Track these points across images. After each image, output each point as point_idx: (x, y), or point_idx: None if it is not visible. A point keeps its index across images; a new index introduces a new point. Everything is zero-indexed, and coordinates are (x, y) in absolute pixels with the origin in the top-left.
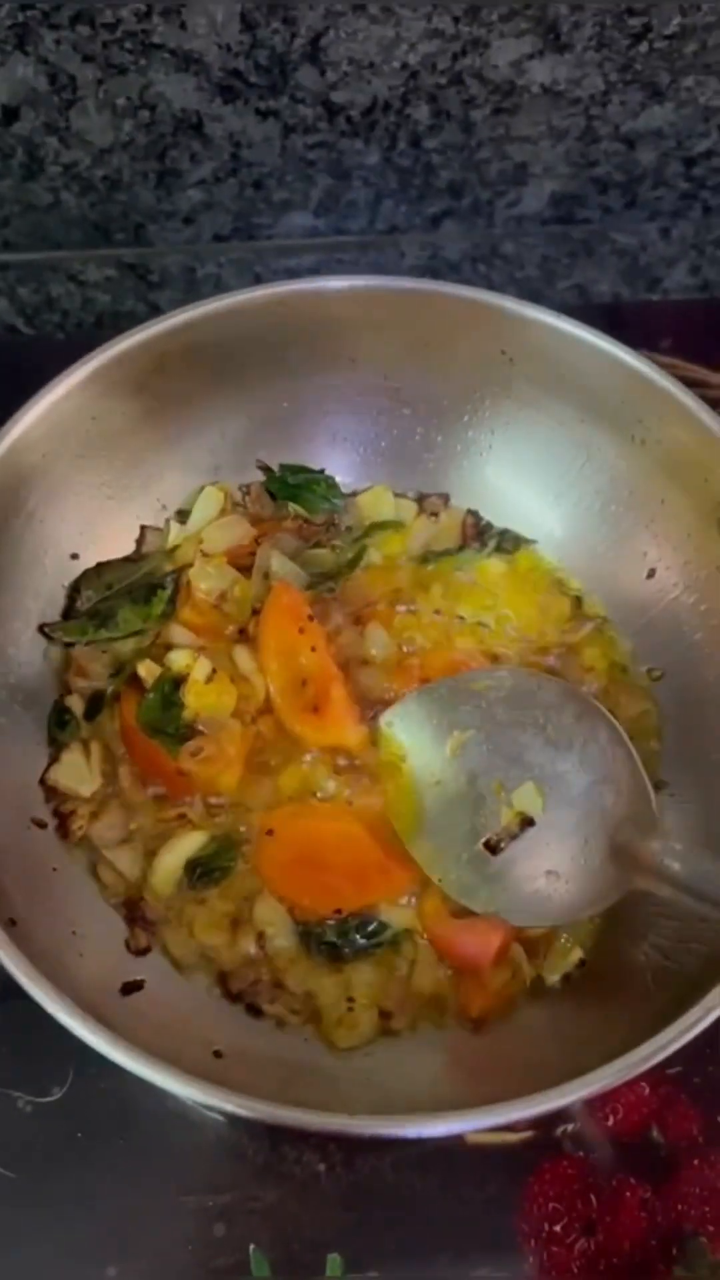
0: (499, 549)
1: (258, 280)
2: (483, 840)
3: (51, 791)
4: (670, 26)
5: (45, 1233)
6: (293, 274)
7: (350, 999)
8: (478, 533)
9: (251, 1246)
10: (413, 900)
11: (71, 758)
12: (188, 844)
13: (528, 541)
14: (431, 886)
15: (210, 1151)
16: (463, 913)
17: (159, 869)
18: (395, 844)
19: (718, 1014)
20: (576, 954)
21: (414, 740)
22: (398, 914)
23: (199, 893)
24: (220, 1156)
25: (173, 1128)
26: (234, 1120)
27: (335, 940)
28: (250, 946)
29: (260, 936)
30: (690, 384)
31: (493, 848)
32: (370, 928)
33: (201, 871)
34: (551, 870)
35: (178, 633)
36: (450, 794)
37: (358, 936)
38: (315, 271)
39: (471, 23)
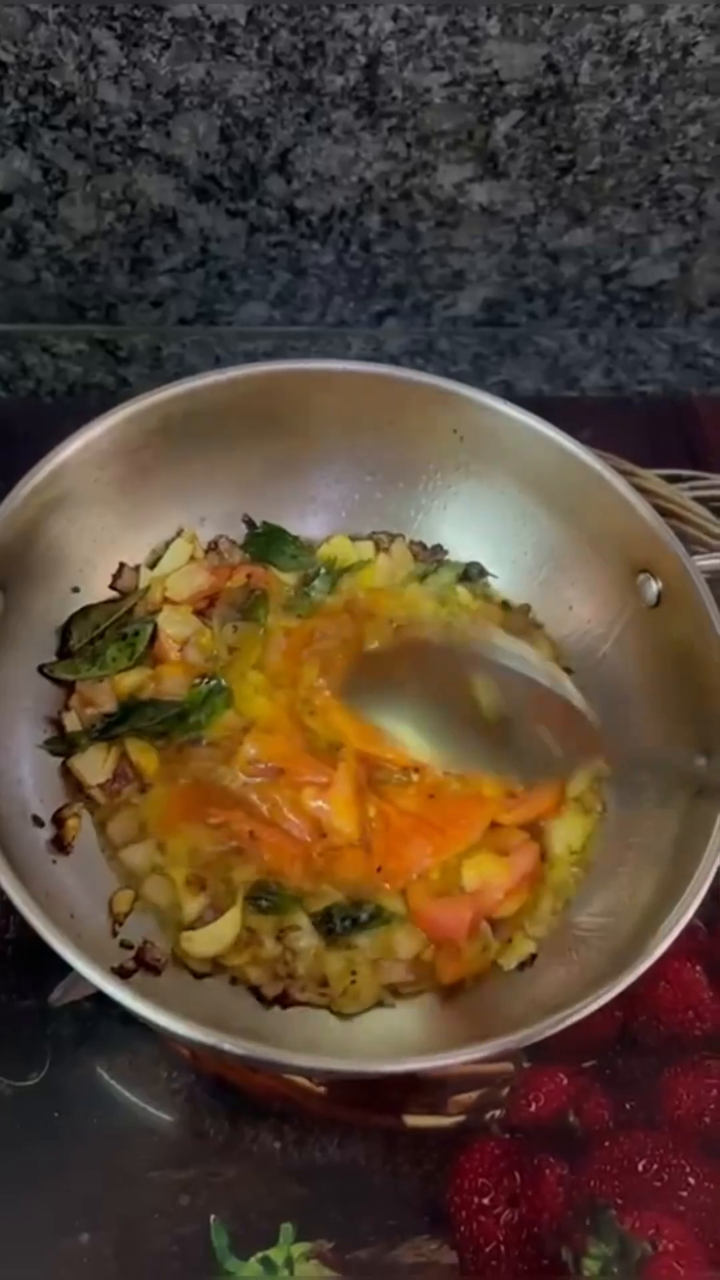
0: (465, 578)
1: (218, 361)
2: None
3: (72, 784)
4: (592, 163)
5: (23, 1203)
6: (250, 357)
7: (354, 973)
8: (429, 554)
9: (212, 1217)
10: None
11: (87, 754)
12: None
13: (491, 575)
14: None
15: (175, 1131)
16: (441, 893)
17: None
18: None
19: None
20: (530, 946)
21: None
22: (391, 900)
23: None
24: (185, 1135)
25: (141, 1109)
26: (195, 1096)
27: (337, 922)
28: (272, 948)
29: (281, 935)
30: None
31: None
32: (365, 915)
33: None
34: (540, 725)
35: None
36: (437, 720)
37: (361, 915)
38: (270, 356)
39: (422, 149)
